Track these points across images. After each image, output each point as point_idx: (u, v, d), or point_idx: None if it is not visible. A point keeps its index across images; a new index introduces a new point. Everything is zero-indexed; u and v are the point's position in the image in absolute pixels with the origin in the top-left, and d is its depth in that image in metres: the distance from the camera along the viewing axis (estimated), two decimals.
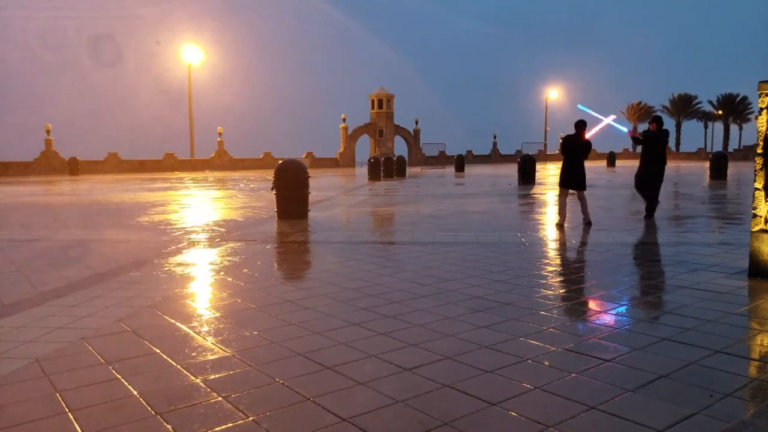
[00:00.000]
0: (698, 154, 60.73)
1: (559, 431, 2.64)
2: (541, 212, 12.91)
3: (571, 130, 10.13)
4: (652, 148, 10.67)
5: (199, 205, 15.05)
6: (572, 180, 10.03)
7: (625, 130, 11.72)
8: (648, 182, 10.77)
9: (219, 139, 44.52)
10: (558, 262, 6.81)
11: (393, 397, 3.02)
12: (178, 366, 3.50)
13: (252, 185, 24.02)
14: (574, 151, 10.03)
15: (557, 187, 10.80)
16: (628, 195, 17.29)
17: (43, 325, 4.39)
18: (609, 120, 11.19)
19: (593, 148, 10.77)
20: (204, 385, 3.20)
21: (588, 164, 10.70)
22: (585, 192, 10.24)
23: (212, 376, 3.33)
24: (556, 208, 10.42)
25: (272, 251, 7.85)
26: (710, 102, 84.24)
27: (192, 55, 45.95)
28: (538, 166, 27.55)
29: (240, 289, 5.51)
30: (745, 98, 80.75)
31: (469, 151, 54.47)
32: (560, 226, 9.91)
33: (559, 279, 5.80)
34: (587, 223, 9.98)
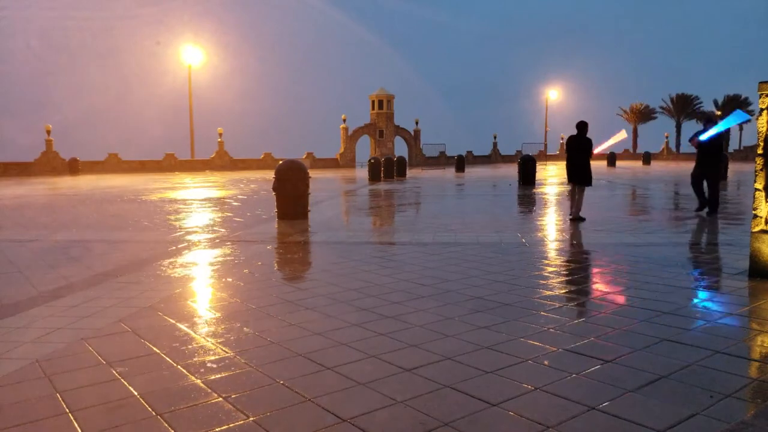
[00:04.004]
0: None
1: None
2: (541, 213, 12.91)
3: (569, 131, 10.64)
4: (707, 148, 11.27)
5: (199, 206, 15.05)
6: (573, 175, 10.87)
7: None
8: (700, 181, 11.43)
9: (219, 139, 44.51)
10: (558, 262, 6.81)
11: (393, 397, 3.02)
12: (179, 366, 3.50)
13: (252, 185, 24.03)
14: (574, 150, 10.84)
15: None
16: (628, 195, 17.31)
17: (44, 325, 4.40)
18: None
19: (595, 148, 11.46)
20: (204, 386, 3.20)
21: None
22: (586, 189, 10.91)
23: (212, 377, 3.33)
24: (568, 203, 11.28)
25: (272, 251, 7.85)
26: (714, 101, 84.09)
27: (192, 56, 45.95)
28: (539, 167, 27.56)
29: (240, 290, 5.51)
30: (745, 99, 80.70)
31: (469, 152, 54.43)
32: (571, 217, 10.66)
33: (559, 279, 5.80)
34: (571, 218, 10.59)
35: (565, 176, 11.13)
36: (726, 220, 10.63)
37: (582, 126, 10.76)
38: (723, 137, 11.89)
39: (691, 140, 11.72)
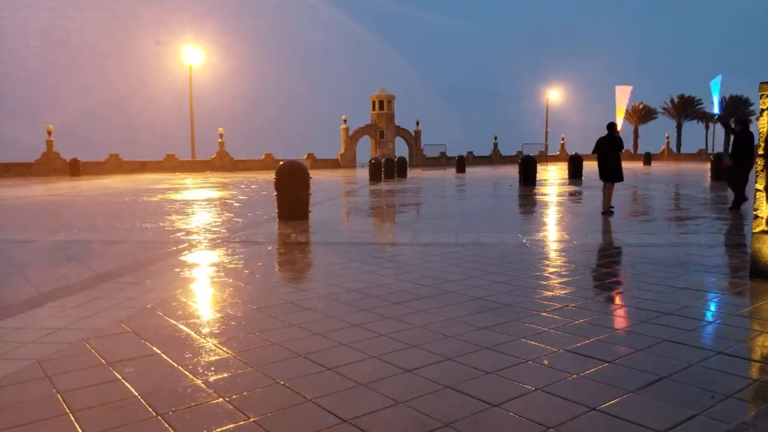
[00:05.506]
0: (699, 155, 60.62)
1: None
2: (542, 213, 12.91)
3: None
4: (737, 148, 12.18)
5: (199, 206, 15.06)
6: (606, 174, 11.61)
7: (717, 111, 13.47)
8: (735, 180, 12.25)
9: (220, 140, 44.53)
10: (559, 263, 6.80)
11: (394, 398, 3.02)
12: (179, 367, 3.50)
13: (253, 186, 24.04)
14: (606, 149, 11.57)
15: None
16: (629, 195, 17.29)
17: (44, 325, 4.40)
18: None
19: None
20: (205, 386, 3.20)
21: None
22: (616, 184, 11.76)
23: (213, 377, 3.33)
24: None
25: (273, 252, 7.85)
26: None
27: (193, 56, 45.99)
28: (539, 167, 27.56)
29: (241, 290, 5.51)
30: (746, 99, 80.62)
31: (470, 152, 54.44)
32: (603, 212, 11.43)
33: (559, 280, 5.79)
34: (603, 213, 11.44)
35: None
36: (727, 221, 10.63)
37: (611, 126, 11.60)
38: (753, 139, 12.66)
39: (723, 159, 12.38)
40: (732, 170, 12.27)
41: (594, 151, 11.80)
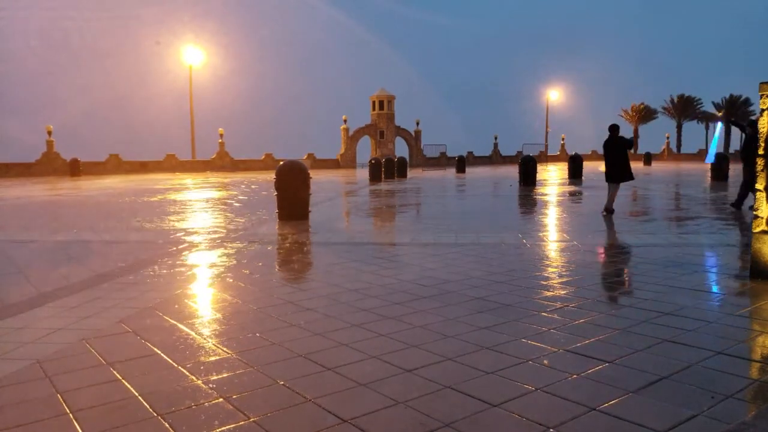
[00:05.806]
0: (699, 155, 60.58)
1: None
2: (542, 213, 12.91)
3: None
4: (744, 148, 12.38)
5: (200, 207, 15.06)
6: (613, 175, 11.71)
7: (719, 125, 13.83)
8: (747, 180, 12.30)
9: (220, 140, 44.55)
10: (559, 263, 6.80)
11: (394, 398, 3.02)
12: (179, 367, 3.50)
13: (253, 186, 24.04)
14: (611, 150, 11.74)
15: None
16: (629, 195, 17.29)
17: (44, 325, 4.40)
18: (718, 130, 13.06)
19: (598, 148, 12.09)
20: (205, 386, 3.20)
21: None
22: (622, 184, 11.90)
23: (213, 377, 3.33)
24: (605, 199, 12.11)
25: (273, 252, 7.85)
26: (714, 103, 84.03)
27: (193, 56, 46.02)
28: (539, 167, 27.56)
29: (241, 291, 5.51)
30: (747, 99, 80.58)
31: (470, 153, 54.45)
32: (606, 211, 11.57)
33: (559, 280, 5.79)
34: (605, 213, 11.56)
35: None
36: (727, 221, 10.63)
37: (613, 128, 11.72)
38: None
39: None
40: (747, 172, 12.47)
41: (604, 154, 12.13)
